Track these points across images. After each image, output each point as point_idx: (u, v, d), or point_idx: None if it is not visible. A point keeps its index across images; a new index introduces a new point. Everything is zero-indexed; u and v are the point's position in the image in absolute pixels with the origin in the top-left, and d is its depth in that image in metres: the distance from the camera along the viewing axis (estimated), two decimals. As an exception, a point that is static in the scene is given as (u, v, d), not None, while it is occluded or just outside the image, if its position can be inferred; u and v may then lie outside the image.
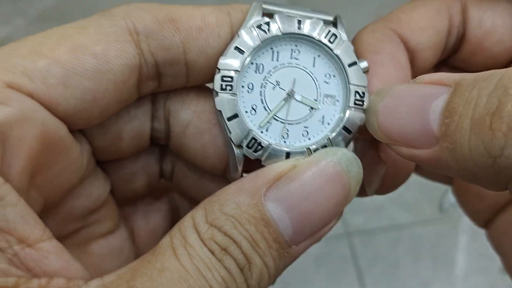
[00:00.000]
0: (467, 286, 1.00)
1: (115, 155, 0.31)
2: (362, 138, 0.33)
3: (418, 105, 0.25)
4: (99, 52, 0.26)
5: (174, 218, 0.37)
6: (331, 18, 0.29)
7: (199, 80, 0.29)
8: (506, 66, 0.33)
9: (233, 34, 0.28)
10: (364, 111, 0.29)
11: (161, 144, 0.32)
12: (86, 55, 0.25)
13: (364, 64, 0.29)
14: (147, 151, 0.33)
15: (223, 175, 0.31)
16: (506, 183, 0.23)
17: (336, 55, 0.29)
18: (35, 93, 0.25)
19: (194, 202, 0.33)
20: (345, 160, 0.26)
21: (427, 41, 0.31)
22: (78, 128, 0.28)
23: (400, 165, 0.32)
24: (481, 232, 0.38)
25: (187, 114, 0.30)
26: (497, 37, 0.32)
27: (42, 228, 0.24)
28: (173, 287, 0.22)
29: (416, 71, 0.32)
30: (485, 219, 0.37)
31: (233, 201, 0.24)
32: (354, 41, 0.31)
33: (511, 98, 0.21)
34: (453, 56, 0.34)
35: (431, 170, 0.37)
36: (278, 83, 0.29)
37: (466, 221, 1.18)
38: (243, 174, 0.28)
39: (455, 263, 1.02)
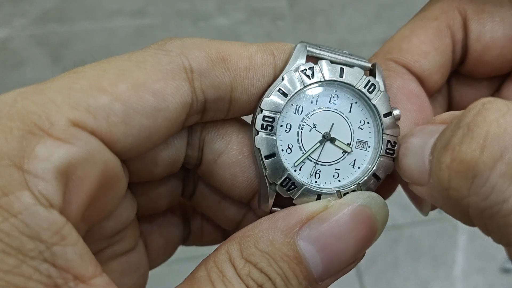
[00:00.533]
0: (466, 286, 1.01)
1: (146, 179, 0.31)
2: None
3: (421, 145, 0.27)
4: (158, 90, 0.26)
5: (185, 230, 0.37)
6: (369, 65, 0.31)
7: (237, 114, 0.31)
8: (508, 72, 0.33)
9: (276, 74, 0.29)
10: (394, 159, 0.30)
11: (189, 168, 0.33)
12: (146, 93, 0.26)
13: (396, 112, 0.30)
14: (174, 174, 0.33)
15: (246, 203, 0.32)
16: (467, 217, 0.24)
17: (373, 104, 0.30)
18: (98, 131, 0.24)
19: (206, 216, 0.34)
20: (374, 204, 0.27)
21: (433, 65, 0.32)
22: (126, 159, 0.28)
23: None
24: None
25: (221, 144, 0.31)
26: (498, 50, 0.32)
27: (95, 264, 0.24)
28: None
29: (428, 94, 0.33)
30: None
31: (267, 238, 0.25)
32: None
33: (458, 132, 0.22)
34: (461, 66, 0.34)
35: None
36: (315, 125, 0.30)
37: (465, 221, 1.18)
38: (272, 208, 0.29)
39: (454, 263, 1.02)
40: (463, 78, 0.35)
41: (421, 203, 0.33)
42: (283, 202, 0.29)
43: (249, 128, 0.30)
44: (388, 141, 0.30)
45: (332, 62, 0.30)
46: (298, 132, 0.30)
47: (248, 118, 0.31)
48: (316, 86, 0.30)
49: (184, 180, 0.34)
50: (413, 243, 1.05)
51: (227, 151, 0.31)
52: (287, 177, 0.29)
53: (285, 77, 0.29)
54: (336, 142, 0.30)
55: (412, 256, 1.01)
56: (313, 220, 0.26)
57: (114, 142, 0.25)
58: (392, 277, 1.01)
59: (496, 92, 0.35)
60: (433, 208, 0.34)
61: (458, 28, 0.33)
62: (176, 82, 0.27)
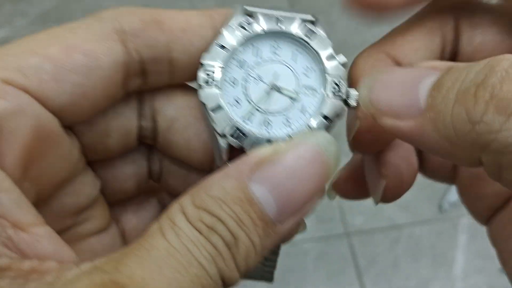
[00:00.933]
0: (466, 286, 1.01)
1: (103, 154, 0.32)
2: (366, 154, 0.35)
3: (410, 80, 0.28)
4: (88, 50, 0.27)
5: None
6: (310, 18, 0.32)
7: (182, 78, 0.31)
8: None
9: (216, 35, 0.30)
10: (342, 100, 0.31)
11: (149, 144, 0.34)
12: (76, 52, 0.27)
13: (341, 57, 0.31)
14: (136, 152, 0.34)
15: (209, 171, 0.32)
16: (479, 153, 0.25)
17: (313, 49, 0.31)
18: (29, 88, 0.26)
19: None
20: (323, 141, 0.27)
21: (420, 61, 0.33)
22: (69, 123, 0.29)
23: (401, 178, 0.35)
24: (480, 232, 0.39)
25: (173, 110, 0.32)
26: (487, 53, 0.33)
27: (35, 214, 0.25)
28: (161, 263, 0.23)
29: None
30: (486, 217, 0.38)
31: (219, 185, 0.26)
32: (351, 67, 0.33)
33: (496, 74, 0.24)
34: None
35: (435, 170, 0.39)
36: (260, 77, 0.30)
37: (465, 221, 1.18)
38: (228, 164, 0.29)
39: (454, 263, 1.02)
40: None
41: (374, 193, 0.35)
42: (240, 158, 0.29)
43: (197, 92, 0.31)
44: (333, 81, 0.30)
45: (270, 16, 0.31)
46: (243, 85, 0.30)
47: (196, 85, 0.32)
48: (257, 39, 0.31)
49: (149, 159, 0.35)
50: (413, 243, 1.05)
51: (179, 117, 0.31)
52: (236, 128, 0.29)
53: (223, 31, 0.30)
54: (283, 91, 0.30)
55: (412, 256, 1.01)
56: (263, 163, 0.26)
57: (47, 99, 0.27)
58: (392, 277, 1.01)
59: None
60: (386, 200, 0.35)
61: (450, 30, 0.34)
62: (107, 43, 0.28)
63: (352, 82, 0.33)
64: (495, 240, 0.37)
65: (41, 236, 0.25)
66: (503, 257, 0.36)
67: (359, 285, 0.98)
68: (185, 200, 0.26)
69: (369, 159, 0.36)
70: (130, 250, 0.24)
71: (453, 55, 0.34)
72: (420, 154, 0.38)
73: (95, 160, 0.33)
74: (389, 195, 0.35)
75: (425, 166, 0.39)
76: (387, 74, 0.29)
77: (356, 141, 0.34)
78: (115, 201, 0.35)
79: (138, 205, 0.37)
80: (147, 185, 0.36)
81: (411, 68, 0.29)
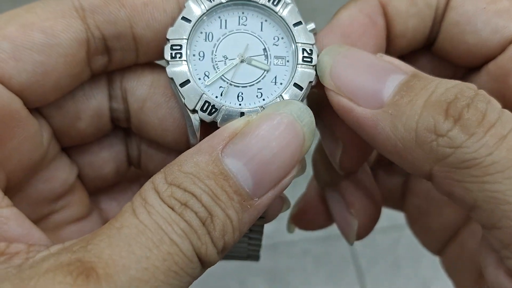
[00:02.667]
0: (467, 286, 1.00)
1: (77, 138, 0.32)
2: (332, 195, 0.36)
3: (378, 70, 0.27)
4: (47, 28, 0.27)
5: None
6: None
7: (150, 56, 0.31)
8: (481, 65, 0.33)
9: (181, 9, 0.30)
10: (314, 67, 0.30)
11: (123, 127, 0.33)
12: (34, 30, 0.27)
13: (311, 25, 0.30)
14: (112, 136, 0.34)
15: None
16: (433, 164, 0.25)
17: (280, 16, 0.30)
18: None
19: None
20: (296, 110, 0.27)
21: (408, 11, 0.32)
22: (35, 106, 0.29)
23: (371, 216, 0.36)
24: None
25: (143, 90, 0.31)
26: (474, 27, 0.32)
27: (1, 196, 0.25)
28: (130, 241, 0.23)
29: (394, 38, 0.33)
30: (437, 248, 0.39)
31: (192, 160, 0.25)
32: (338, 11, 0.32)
33: (464, 98, 0.25)
34: (434, 44, 0.34)
35: (384, 197, 0.39)
36: (229, 49, 0.30)
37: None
38: None
39: (455, 263, 1.02)
40: (439, 61, 0.35)
41: (348, 235, 0.35)
42: None
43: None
44: (303, 49, 0.30)
45: None
46: (212, 59, 0.30)
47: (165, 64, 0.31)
48: (222, 10, 0.30)
49: (127, 144, 0.35)
50: (414, 243, 1.05)
51: (150, 96, 0.31)
52: (206, 101, 0.28)
53: (187, 4, 0.29)
54: (253, 62, 0.30)
55: (413, 256, 1.01)
56: (236, 136, 0.26)
57: (7, 77, 0.27)
58: (393, 277, 1.01)
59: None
60: (359, 237, 0.35)
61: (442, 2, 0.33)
62: (66, 20, 0.28)
63: (330, 28, 0.31)
64: (449, 271, 0.38)
65: (7, 218, 0.25)
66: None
67: (360, 285, 0.98)
68: (158, 178, 0.25)
69: (334, 200, 0.36)
70: (100, 230, 0.23)
71: (437, 26, 0.33)
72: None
73: (71, 146, 0.32)
74: (362, 232, 0.35)
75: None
76: (353, 52, 0.28)
77: (344, 162, 0.34)
78: (96, 189, 0.35)
79: (120, 192, 0.36)
80: (129, 172, 0.36)
81: (377, 56, 0.28)
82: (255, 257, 0.37)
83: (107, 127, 0.32)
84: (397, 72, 0.27)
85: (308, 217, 0.42)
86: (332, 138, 0.34)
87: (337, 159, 0.34)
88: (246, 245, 0.35)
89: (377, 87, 0.27)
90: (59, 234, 0.32)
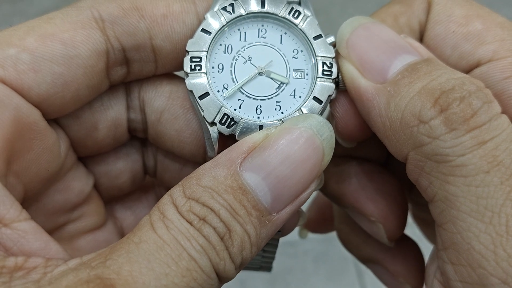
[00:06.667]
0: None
1: (94, 148, 0.32)
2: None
3: (392, 47, 0.27)
4: (67, 39, 0.27)
5: None
6: None
7: (168, 67, 0.31)
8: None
9: (200, 21, 0.29)
10: (333, 81, 0.30)
11: (140, 138, 0.33)
12: (54, 42, 0.27)
13: (331, 38, 0.30)
14: (129, 146, 0.34)
15: (203, 163, 0.32)
16: (410, 149, 0.25)
17: (300, 29, 0.30)
18: (7, 79, 0.26)
19: None
20: (315, 124, 0.26)
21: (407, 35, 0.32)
22: (54, 117, 0.29)
23: (417, 280, 0.37)
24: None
25: (161, 101, 0.31)
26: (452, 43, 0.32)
27: (19, 209, 0.25)
28: (149, 257, 0.22)
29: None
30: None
31: (210, 174, 0.25)
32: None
33: (462, 91, 0.25)
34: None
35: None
36: (250, 58, 0.30)
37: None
38: None
39: (455, 263, 1.02)
40: None
41: (380, 234, 0.35)
42: None
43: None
44: (323, 63, 0.29)
45: None
46: (231, 71, 0.29)
47: (183, 75, 0.31)
48: (241, 22, 0.30)
49: (143, 154, 0.34)
50: (413, 243, 1.05)
51: (168, 108, 0.31)
52: (225, 114, 0.28)
53: (207, 16, 0.29)
54: (272, 75, 0.30)
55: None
56: (255, 150, 0.25)
57: (27, 89, 0.26)
58: (393, 277, 1.01)
59: None
60: (391, 238, 0.35)
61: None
62: (86, 31, 0.27)
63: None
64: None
65: (26, 231, 0.24)
66: None
67: (360, 285, 0.98)
68: (176, 191, 0.25)
69: (379, 271, 0.38)
70: (118, 245, 0.23)
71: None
72: None
73: (87, 156, 0.32)
74: (392, 235, 0.34)
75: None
76: (375, 26, 0.28)
77: (390, 234, 0.34)
78: (111, 198, 0.35)
79: (136, 201, 0.36)
80: (144, 181, 0.35)
81: (398, 35, 0.28)
82: (267, 268, 0.37)
83: (124, 138, 0.32)
84: (410, 53, 0.27)
85: (321, 221, 0.42)
86: (367, 221, 0.34)
87: (384, 238, 0.34)
88: (260, 257, 0.35)
89: (385, 63, 0.27)
90: (75, 244, 0.32)
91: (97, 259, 0.23)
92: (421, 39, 0.32)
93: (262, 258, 0.35)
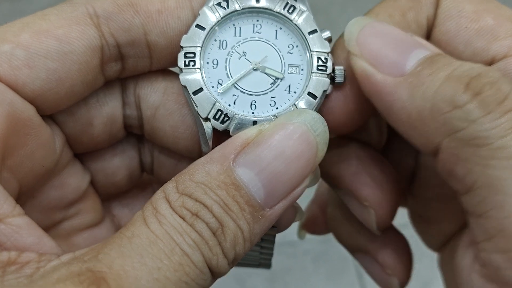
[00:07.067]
0: (467, 286, 1.00)
1: (89, 145, 0.32)
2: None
3: (404, 42, 0.27)
4: (61, 35, 0.27)
5: None
6: None
7: (163, 63, 0.31)
8: None
9: (195, 16, 0.29)
10: (328, 76, 0.29)
11: (137, 134, 0.33)
12: (49, 38, 0.27)
13: (326, 33, 0.30)
14: (125, 143, 0.34)
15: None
16: (443, 137, 0.25)
17: (295, 24, 0.30)
18: (1, 75, 0.26)
19: None
20: (309, 120, 0.26)
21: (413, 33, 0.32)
22: (49, 113, 0.29)
23: (405, 274, 0.37)
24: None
25: (156, 97, 0.31)
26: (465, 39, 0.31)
27: (13, 204, 0.25)
28: (142, 252, 0.22)
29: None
30: (436, 245, 0.39)
31: (203, 170, 0.25)
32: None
33: (489, 77, 0.25)
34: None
35: None
36: (244, 53, 0.30)
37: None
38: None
39: (454, 263, 1.02)
40: None
41: (369, 221, 0.34)
42: None
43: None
44: (318, 58, 0.29)
45: None
46: (225, 67, 0.29)
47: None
48: (236, 18, 0.30)
49: (140, 150, 0.34)
50: (413, 243, 1.05)
51: (163, 103, 0.31)
52: (219, 109, 0.28)
53: (201, 12, 0.29)
54: (267, 70, 0.29)
55: (413, 256, 1.01)
56: (248, 145, 0.25)
57: (21, 85, 0.26)
58: (393, 277, 1.01)
59: None
60: (380, 227, 0.35)
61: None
62: (80, 27, 0.27)
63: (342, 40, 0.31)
64: (442, 268, 0.37)
65: (19, 226, 0.24)
66: (447, 286, 0.36)
67: (360, 285, 0.98)
68: (169, 187, 0.25)
69: (367, 262, 0.37)
70: (111, 239, 0.23)
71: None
72: None
73: (84, 152, 0.32)
74: (382, 222, 0.35)
75: None
76: (383, 25, 0.28)
77: (380, 223, 0.34)
78: (109, 195, 0.35)
79: (133, 198, 0.36)
80: (141, 178, 0.36)
81: (405, 32, 0.28)
82: (266, 265, 0.37)
83: (120, 134, 0.32)
84: (423, 47, 0.27)
85: (319, 222, 0.42)
86: (359, 205, 0.33)
87: (374, 224, 0.34)
88: (258, 254, 0.35)
89: (401, 57, 0.27)
90: (71, 241, 0.32)
91: (90, 254, 0.23)
92: (429, 35, 0.32)
93: (260, 255, 0.35)
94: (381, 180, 0.34)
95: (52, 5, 0.29)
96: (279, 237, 0.33)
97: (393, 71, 0.27)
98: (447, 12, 0.30)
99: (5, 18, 1.28)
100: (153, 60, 0.30)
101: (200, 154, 0.31)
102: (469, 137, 0.24)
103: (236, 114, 0.28)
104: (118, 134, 0.32)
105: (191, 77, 0.28)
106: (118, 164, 0.34)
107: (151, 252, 0.22)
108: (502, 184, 0.23)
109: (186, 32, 0.29)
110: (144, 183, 0.37)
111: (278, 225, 0.31)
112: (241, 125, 0.28)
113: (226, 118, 0.28)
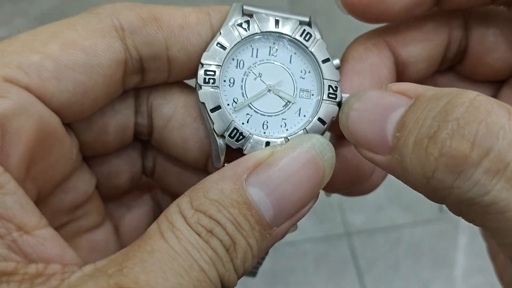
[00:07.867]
0: (467, 286, 1.00)
1: (100, 150, 0.32)
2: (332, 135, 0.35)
3: (379, 114, 0.27)
4: (88, 47, 0.27)
5: (156, 214, 0.38)
6: (306, 19, 0.32)
7: (180, 76, 0.31)
8: (506, 78, 0.34)
9: (213, 33, 0.30)
10: (337, 103, 0.31)
11: (143, 139, 0.34)
12: (76, 49, 0.27)
13: (336, 61, 0.31)
14: (130, 147, 0.34)
15: (204, 169, 0.33)
16: (441, 201, 0.25)
17: (311, 52, 0.31)
18: (31, 86, 0.26)
19: (176, 197, 0.35)
20: (318, 146, 0.27)
21: (420, 54, 0.33)
22: (69, 121, 0.29)
23: (356, 170, 0.35)
24: (481, 232, 0.38)
25: (169, 108, 0.31)
26: (499, 54, 0.33)
27: (39, 216, 0.25)
28: (163, 267, 0.23)
29: (409, 81, 0.32)
30: None
31: (217, 187, 0.26)
32: (348, 46, 0.33)
33: (447, 126, 0.23)
34: (459, 65, 0.35)
35: None
36: (260, 75, 0.31)
37: (465, 222, 1.18)
38: (225, 164, 0.29)
39: (454, 263, 1.02)
40: (462, 79, 0.36)
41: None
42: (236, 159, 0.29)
43: (195, 91, 0.31)
44: (329, 86, 0.31)
45: (268, 16, 0.31)
46: (242, 86, 0.30)
47: (193, 83, 0.31)
48: (255, 40, 0.31)
49: (143, 155, 0.35)
50: (413, 243, 1.05)
51: (175, 115, 0.31)
52: (234, 128, 0.29)
53: (222, 31, 0.30)
54: (281, 93, 0.31)
55: (413, 257, 1.01)
56: (260, 166, 0.26)
57: (49, 97, 0.26)
58: (393, 278, 1.01)
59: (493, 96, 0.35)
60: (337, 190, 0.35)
61: (458, 27, 0.33)
62: (106, 40, 0.27)
63: (343, 59, 0.32)
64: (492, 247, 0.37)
65: (45, 238, 0.25)
66: (491, 248, 0.35)
67: (360, 285, 0.98)
68: (183, 202, 0.25)
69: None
70: (131, 252, 0.24)
71: (461, 54, 0.34)
72: None
73: (91, 156, 0.32)
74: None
75: None
76: (360, 103, 0.28)
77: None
78: (109, 197, 0.35)
79: (132, 201, 0.37)
80: (140, 181, 0.36)
81: (384, 93, 0.28)
82: (253, 273, 0.38)
83: (129, 140, 0.33)
84: (396, 107, 0.26)
85: (347, 182, 0.40)
86: None
87: None
88: None
89: (381, 133, 0.27)
90: (75, 243, 0.32)
91: (112, 267, 0.23)
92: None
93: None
94: None
95: (54, 6, 0.29)
96: (279, 237, 0.33)
97: (382, 151, 0.27)
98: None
99: (7, 19, 1.28)
100: (171, 74, 0.30)
101: (207, 165, 0.32)
102: (457, 200, 0.24)
103: (250, 134, 0.29)
104: (127, 140, 0.33)
105: (210, 95, 0.29)
106: (122, 168, 0.34)
107: (172, 268, 0.23)
108: (502, 237, 0.24)
109: (206, 49, 0.30)
110: (141, 185, 0.37)
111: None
112: (255, 145, 0.29)
113: (241, 137, 0.29)
